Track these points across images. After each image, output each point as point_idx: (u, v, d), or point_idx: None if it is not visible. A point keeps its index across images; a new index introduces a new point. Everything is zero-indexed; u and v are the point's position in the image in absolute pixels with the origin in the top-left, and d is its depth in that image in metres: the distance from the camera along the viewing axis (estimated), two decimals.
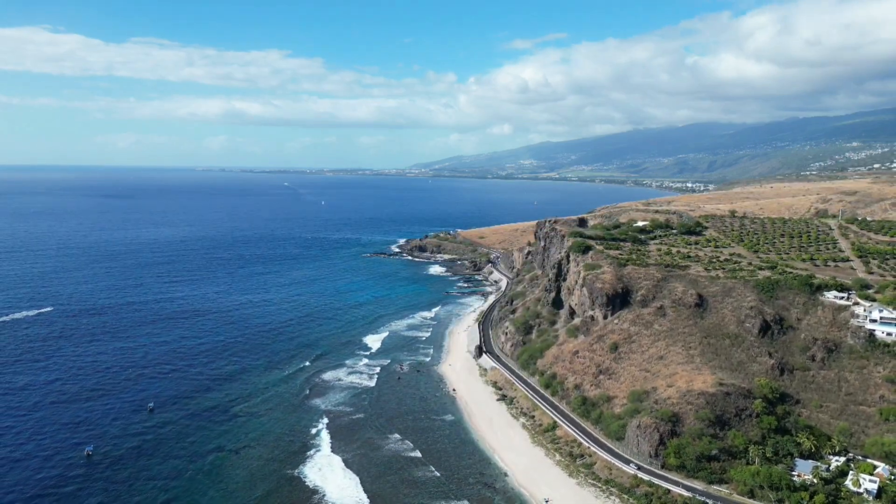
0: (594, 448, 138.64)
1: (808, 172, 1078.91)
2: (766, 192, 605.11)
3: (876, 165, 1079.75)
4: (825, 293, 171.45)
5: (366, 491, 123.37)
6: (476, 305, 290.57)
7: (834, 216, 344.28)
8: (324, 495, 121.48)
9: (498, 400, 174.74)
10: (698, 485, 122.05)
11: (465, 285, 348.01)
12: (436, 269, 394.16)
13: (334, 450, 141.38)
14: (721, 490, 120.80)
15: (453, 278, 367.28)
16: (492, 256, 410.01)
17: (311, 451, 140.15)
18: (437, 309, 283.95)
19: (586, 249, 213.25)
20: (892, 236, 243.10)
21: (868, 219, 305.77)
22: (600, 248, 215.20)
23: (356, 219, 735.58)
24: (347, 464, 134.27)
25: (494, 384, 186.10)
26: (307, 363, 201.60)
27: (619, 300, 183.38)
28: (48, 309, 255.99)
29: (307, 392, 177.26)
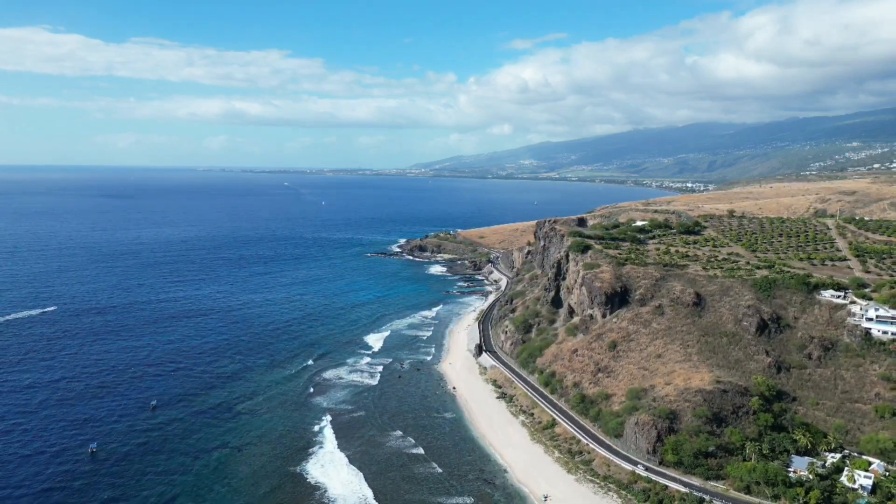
0: (593, 445, 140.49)
1: (807, 172, 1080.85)
2: (765, 192, 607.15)
3: (876, 165, 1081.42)
4: (822, 292, 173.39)
5: (370, 486, 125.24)
6: (476, 305, 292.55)
7: (832, 216, 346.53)
8: (327, 491, 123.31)
9: (498, 398, 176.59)
10: (695, 481, 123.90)
11: (466, 285, 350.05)
12: (436, 269, 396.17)
13: (338, 447, 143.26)
14: (718, 486, 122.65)
15: (453, 278, 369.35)
16: (492, 256, 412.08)
17: (315, 448, 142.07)
18: (437, 308, 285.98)
19: (585, 249, 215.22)
20: (889, 235, 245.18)
21: (866, 218, 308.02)
22: (599, 247, 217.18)
23: (356, 219, 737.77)
24: (351, 460, 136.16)
25: (494, 382, 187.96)
26: (310, 362, 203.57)
27: (617, 299, 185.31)
28: (52, 308, 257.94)
29: (310, 390, 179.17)
